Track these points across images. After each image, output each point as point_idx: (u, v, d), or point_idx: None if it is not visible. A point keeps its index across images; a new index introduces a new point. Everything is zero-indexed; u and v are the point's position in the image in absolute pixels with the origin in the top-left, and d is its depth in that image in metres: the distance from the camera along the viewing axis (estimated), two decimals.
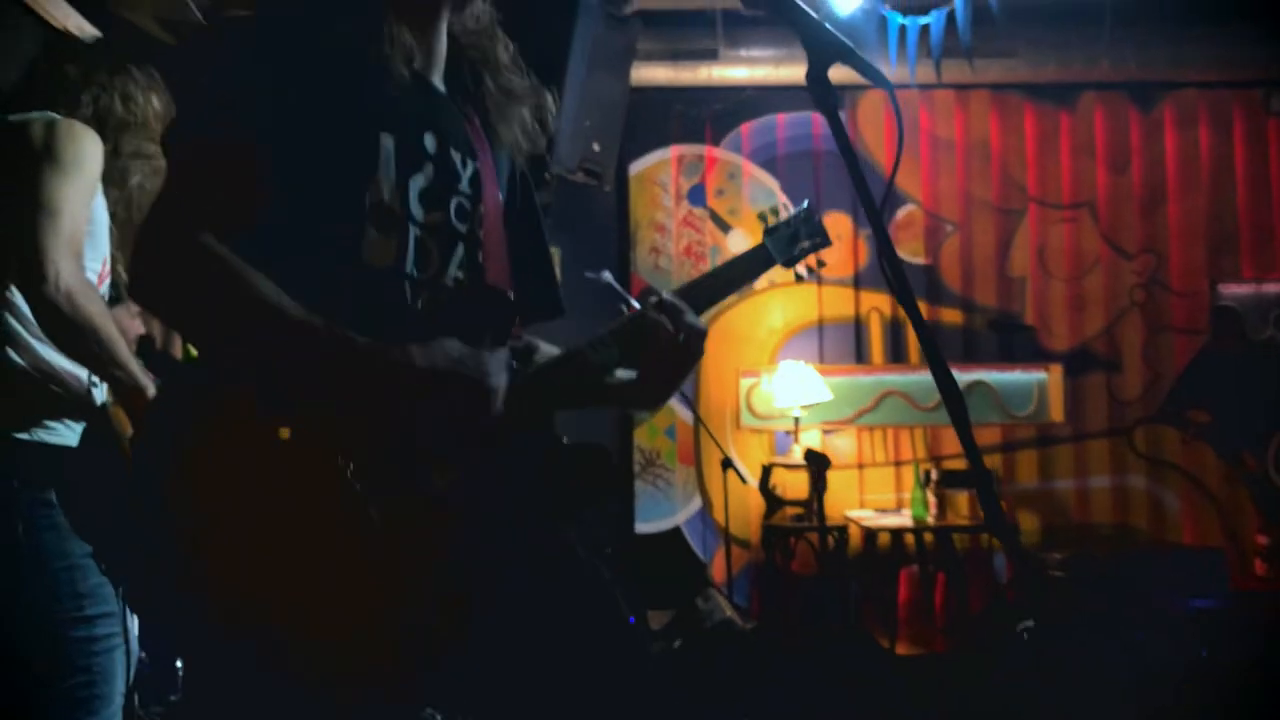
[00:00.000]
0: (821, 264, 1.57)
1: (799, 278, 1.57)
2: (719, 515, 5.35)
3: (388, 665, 1.18)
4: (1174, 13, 4.97)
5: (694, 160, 5.56)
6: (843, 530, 5.02)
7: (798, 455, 4.95)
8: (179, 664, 2.63)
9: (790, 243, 1.55)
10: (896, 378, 5.45)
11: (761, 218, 1.56)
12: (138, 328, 2.16)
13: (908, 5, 4.34)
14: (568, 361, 1.40)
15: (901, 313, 1.28)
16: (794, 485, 5.03)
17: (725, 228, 5.53)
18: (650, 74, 5.01)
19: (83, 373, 1.87)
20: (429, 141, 1.33)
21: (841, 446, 5.43)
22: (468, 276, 1.35)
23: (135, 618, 1.95)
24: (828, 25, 1.21)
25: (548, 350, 1.47)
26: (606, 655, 1.32)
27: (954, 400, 1.14)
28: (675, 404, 5.36)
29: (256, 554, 1.13)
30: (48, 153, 1.81)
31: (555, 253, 5.25)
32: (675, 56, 5.07)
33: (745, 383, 5.44)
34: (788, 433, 5.23)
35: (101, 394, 1.89)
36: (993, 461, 5.43)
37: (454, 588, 1.21)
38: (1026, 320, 5.56)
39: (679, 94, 5.38)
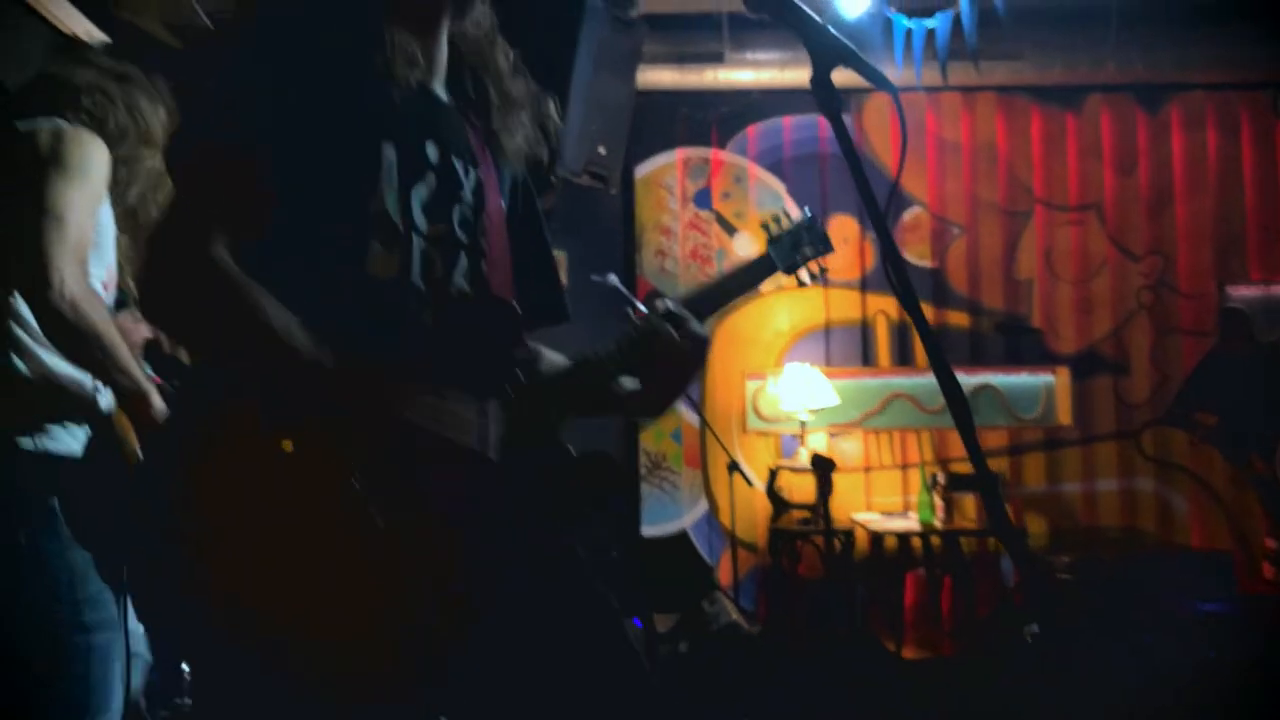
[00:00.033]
0: (824, 269, 1.57)
1: (801, 284, 1.57)
2: (725, 518, 5.35)
3: (392, 669, 1.18)
4: (1180, 14, 4.95)
5: (700, 163, 5.56)
6: (849, 534, 5.01)
7: (804, 458, 4.95)
8: (184, 668, 2.64)
9: (793, 250, 1.55)
10: (903, 380, 5.44)
11: (765, 227, 1.57)
12: (144, 331, 2.16)
13: (913, 8, 4.34)
14: (574, 372, 1.40)
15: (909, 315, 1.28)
16: (800, 488, 5.02)
17: (731, 230, 5.53)
18: (656, 77, 5.01)
19: (87, 379, 1.88)
20: (431, 151, 1.33)
21: (848, 449, 5.42)
22: (472, 287, 1.35)
23: (141, 625, 1.96)
24: (831, 29, 1.21)
25: (551, 357, 1.48)
26: (602, 660, 1.32)
27: (958, 403, 1.14)
28: (681, 407, 5.36)
29: (260, 561, 1.13)
30: (54, 160, 1.81)
31: (561, 256, 5.23)
32: (681, 60, 5.07)
33: (751, 385, 5.43)
34: (794, 436, 5.22)
35: (106, 400, 1.89)
36: (1000, 464, 5.41)
37: (457, 592, 1.21)
38: (1033, 323, 5.55)
39: (685, 97, 5.39)
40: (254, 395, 1.17)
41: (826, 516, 4.83)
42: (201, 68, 1.29)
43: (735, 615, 4.51)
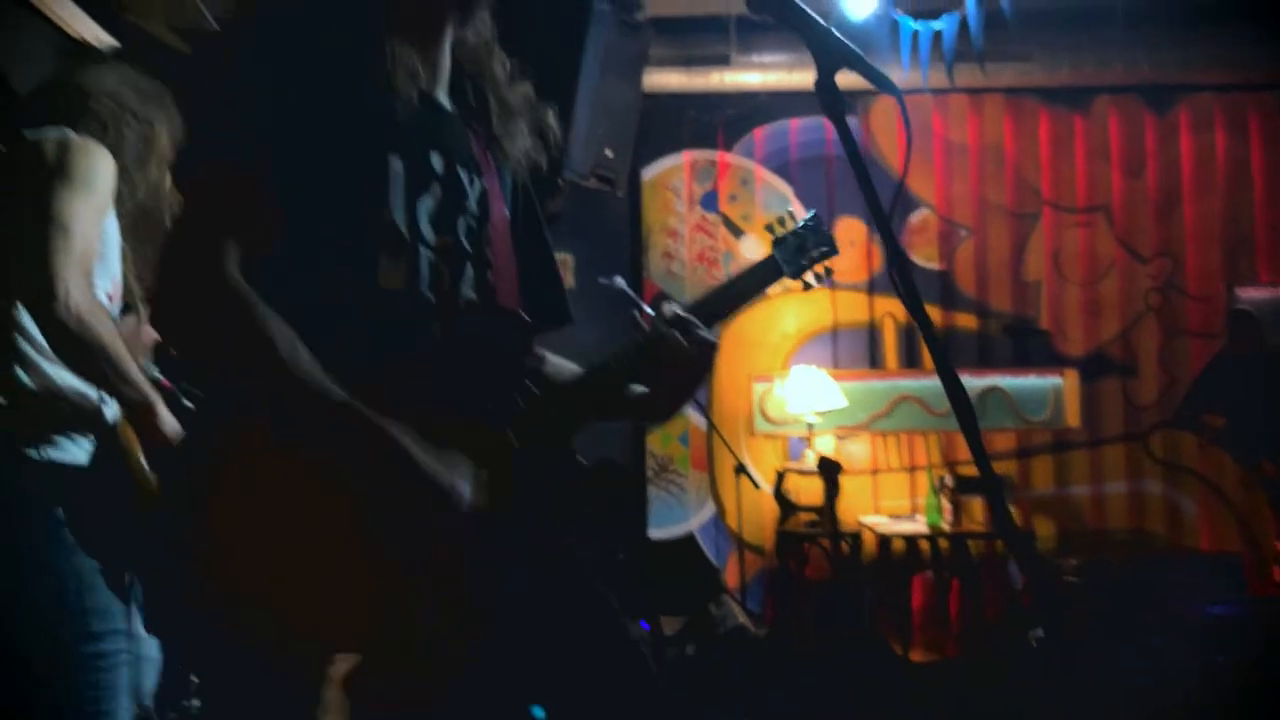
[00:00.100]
0: (829, 272, 1.57)
1: (807, 286, 1.57)
2: (732, 521, 5.34)
3: (398, 674, 1.18)
4: (1188, 15, 4.94)
5: (707, 166, 5.56)
6: (856, 536, 5.00)
7: (811, 461, 4.94)
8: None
9: (798, 253, 1.54)
10: (911, 383, 5.43)
11: (769, 228, 1.57)
12: (152, 334, 2.17)
13: (920, 10, 4.33)
14: (584, 380, 1.40)
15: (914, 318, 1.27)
16: (808, 491, 5.02)
17: (738, 233, 5.53)
18: (663, 80, 5.01)
19: (92, 390, 1.88)
20: (436, 161, 1.33)
21: (855, 452, 5.41)
22: (479, 297, 1.36)
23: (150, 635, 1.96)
24: (835, 31, 1.21)
25: (558, 363, 1.48)
26: (604, 661, 1.32)
27: (962, 406, 1.14)
28: (688, 410, 5.35)
29: (269, 573, 1.14)
30: (60, 170, 1.81)
31: (568, 258, 5.26)
32: (688, 62, 5.07)
33: (759, 388, 5.43)
34: (801, 438, 5.22)
35: (111, 411, 1.90)
36: (1008, 467, 5.40)
37: (462, 598, 1.22)
38: (1041, 325, 5.54)
39: (692, 100, 5.38)
40: (262, 413, 1.18)
41: (833, 519, 4.83)
42: (205, 80, 1.29)
43: (742, 618, 4.51)
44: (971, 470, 5.18)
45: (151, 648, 2.06)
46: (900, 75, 4.32)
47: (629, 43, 4.07)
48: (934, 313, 5.47)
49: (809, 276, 1.56)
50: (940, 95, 5.35)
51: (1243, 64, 5.22)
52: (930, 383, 5.37)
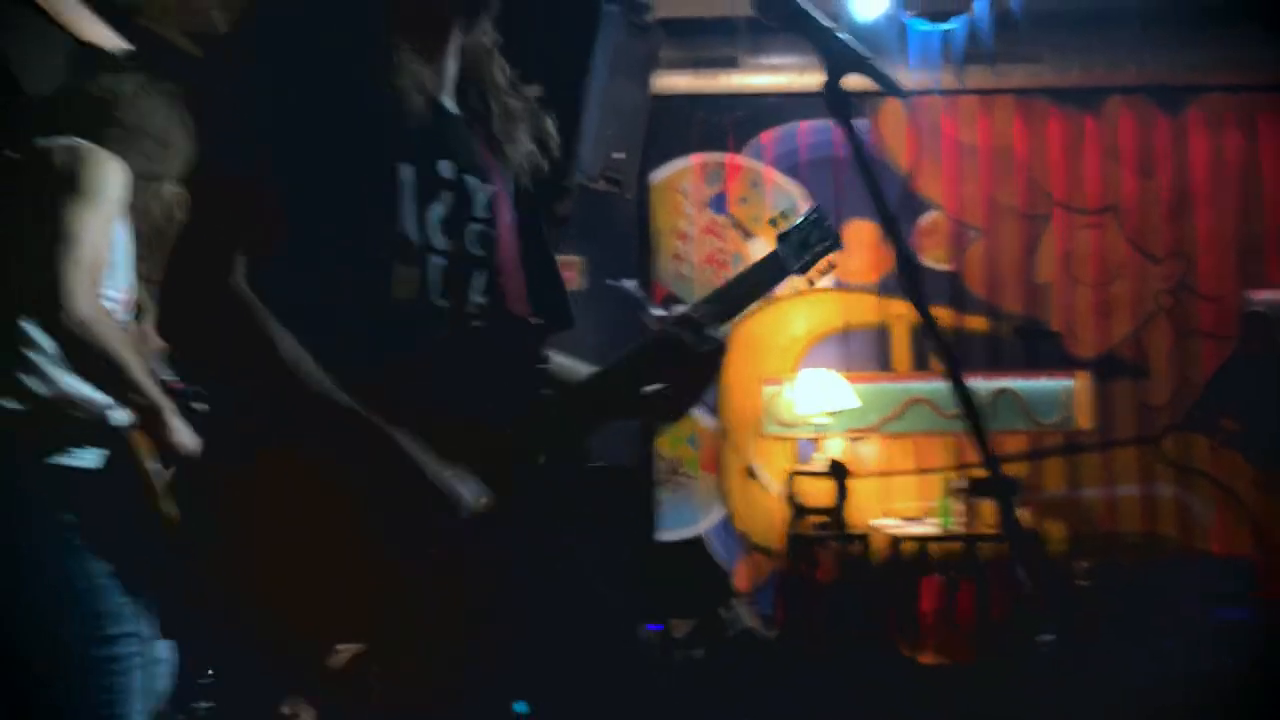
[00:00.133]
0: (833, 266, 1.55)
1: (811, 283, 1.55)
2: (742, 523, 5.34)
3: (408, 674, 1.19)
4: (1200, 16, 4.92)
5: (716, 168, 5.56)
6: (867, 539, 4.99)
7: (821, 463, 4.93)
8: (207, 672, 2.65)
9: (802, 248, 1.52)
10: (922, 385, 5.41)
11: (773, 223, 1.55)
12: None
13: (929, 12, 4.33)
14: (594, 383, 1.41)
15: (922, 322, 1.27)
16: (818, 493, 5.01)
17: (748, 235, 5.52)
18: (672, 82, 5.01)
19: (102, 397, 1.89)
20: (445, 168, 1.33)
21: (866, 454, 5.40)
22: (489, 303, 1.36)
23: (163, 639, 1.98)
24: (841, 35, 1.21)
25: (565, 362, 1.48)
26: (605, 661, 1.32)
27: (970, 409, 1.14)
28: (698, 412, 5.35)
29: (287, 576, 1.15)
30: (69, 180, 1.82)
31: (578, 261, 5.27)
32: (697, 64, 5.08)
33: (768, 390, 5.42)
34: (811, 440, 5.21)
35: (122, 417, 1.91)
36: (1019, 469, 5.37)
37: (466, 601, 1.22)
38: (1053, 326, 5.52)
39: (701, 102, 5.38)
40: (265, 416, 1.19)
41: (842, 521, 4.82)
42: (213, 87, 1.30)
43: (752, 620, 4.51)
44: (983, 472, 5.18)
45: (164, 650, 2.07)
46: (909, 77, 4.32)
47: (638, 44, 4.07)
48: (944, 314, 5.45)
49: (813, 272, 1.55)
50: (950, 96, 5.34)
51: (1254, 65, 5.20)
52: (941, 385, 5.33)
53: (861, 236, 5.42)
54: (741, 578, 5.31)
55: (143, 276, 2.03)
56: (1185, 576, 4.63)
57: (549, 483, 1.30)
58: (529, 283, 1.44)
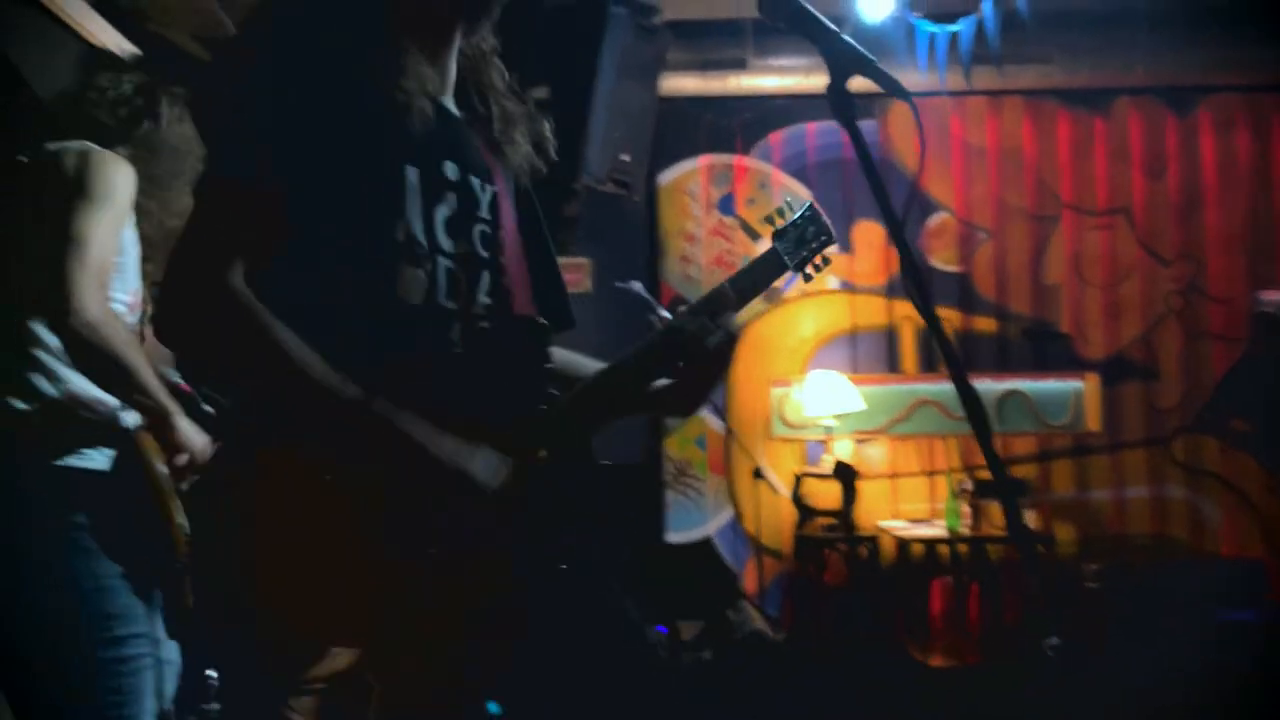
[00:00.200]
0: (828, 261, 1.57)
1: (808, 278, 1.57)
2: (750, 525, 5.33)
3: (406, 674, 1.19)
4: (1209, 16, 4.90)
5: (724, 169, 5.56)
6: (875, 540, 4.98)
7: (829, 465, 4.93)
8: (211, 674, 2.66)
9: (799, 244, 1.55)
10: (930, 387, 5.40)
11: (769, 220, 1.57)
12: None
13: (936, 13, 4.32)
14: (604, 380, 1.41)
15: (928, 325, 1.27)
16: (826, 495, 5.00)
17: (755, 236, 5.52)
18: (679, 84, 5.02)
19: (112, 399, 1.90)
20: (450, 169, 1.34)
21: (874, 456, 5.39)
22: (495, 304, 1.37)
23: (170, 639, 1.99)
24: (846, 37, 1.21)
25: (574, 359, 1.48)
26: (608, 658, 1.33)
27: (974, 409, 1.13)
28: (706, 413, 5.35)
29: (289, 577, 1.15)
30: (78, 184, 1.84)
31: (586, 263, 5.27)
32: (704, 66, 5.08)
33: (776, 392, 5.42)
34: (820, 442, 5.20)
35: (131, 419, 1.92)
36: (1028, 471, 5.36)
37: (470, 600, 1.22)
38: (1062, 328, 5.50)
39: (708, 104, 5.38)
40: (269, 414, 1.19)
41: (849, 524, 4.81)
42: (218, 90, 1.30)
43: (760, 622, 4.51)
44: (989, 474, 5.16)
45: (172, 651, 2.08)
46: (918, 78, 4.31)
47: (645, 47, 4.08)
48: (953, 316, 5.44)
49: (809, 268, 1.57)
50: (959, 98, 5.33)
51: (1264, 65, 5.18)
52: (949, 387, 5.29)
53: (870, 238, 5.42)
54: (749, 580, 5.30)
55: (149, 279, 2.04)
56: (1195, 579, 4.61)
57: (552, 482, 1.30)
58: (533, 284, 1.44)
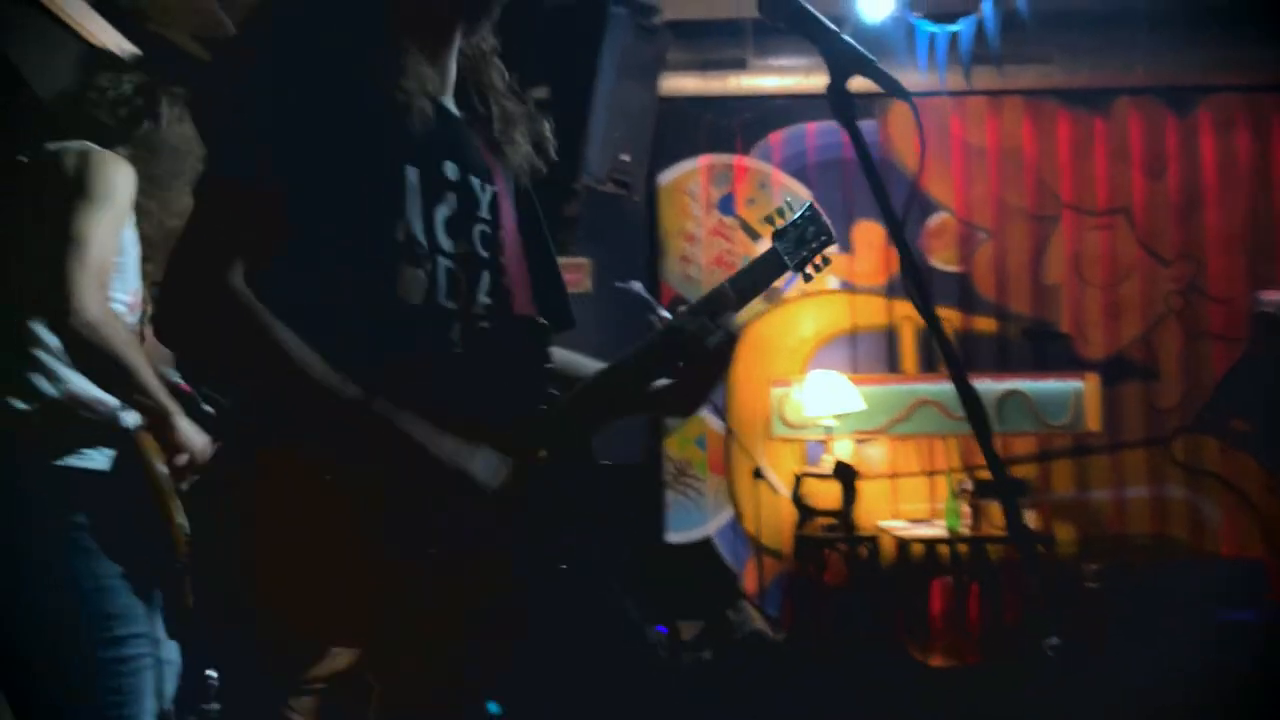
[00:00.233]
0: (827, 261, 1.58)
1: (807, 278, 1.57)
2: (750, 525, 5.33)
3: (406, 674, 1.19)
4: (1210, 16, 4.90)
5: (724, 169, 5.56)
6: (875, 541, 4.98)
7: (829, 465, 4.93)
8: (211, 674, 2.66)
9: (799, 244, 1.55)
10: (930, 387, 5.40)
11: (768, 220, 1.57)
12: None
13: (936, 13, 4.32)
14: (604, 380, 1.41)
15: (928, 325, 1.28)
16: (826, 495, 5.00)
17: (755, 236, 5.52)
18: (679, 84, 5.02)
19: (112, 399, 1.90)
20: (450, 169, 1.34)
21: (874, 456, 5.39)
22: (495, 303, 1.36)
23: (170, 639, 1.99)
24: (846, 37, 1.21)
25: (574, 359, 1.48)
26: (610, 656, 1.33)
27: (974, 409, 1.13)
28: (706, 413, 5.35)
29: (288, 576, 1.15)
30: (78, 184, 1.84)
31: (586, 263, 5.27)
32: (704, 66, 5.08)
33: (776, 392, 5.42)
34: (820, 442, 5.20)
35: (131, 419, 1.92)
36: (1028, 471, 5.36)
37: (470, 600, 1.22)
38: (1062, 328, 5.50)
39: (708, 103, 5.38)
40: (268, 413, 1.19)
41: (849, 524, 4.81)
42: (217, 90, 1.30)
43: (760, 623, 4.51)
44: (989, 474, 5.16)
45: (171, 651, 2.08)
46: (918, 78, 4.31)
47: (645, 47, 4.08)
48: (953, 316, 5.44)
49: (809, 268, 1.57)
50: (959, 98, 5.33)
51: (1264, 65, 5.17)
52: (949, 387, 5.27)
53: (870, 238, 5.42)
54: (749, 580, 5.30)
55: (149, 279, 2.04)
56: (1195, 579, 4.61)
57: (552, 482, 1.30)
58: (533, 284, 1.44)
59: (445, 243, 1.30)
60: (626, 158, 4.15)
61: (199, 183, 1.24)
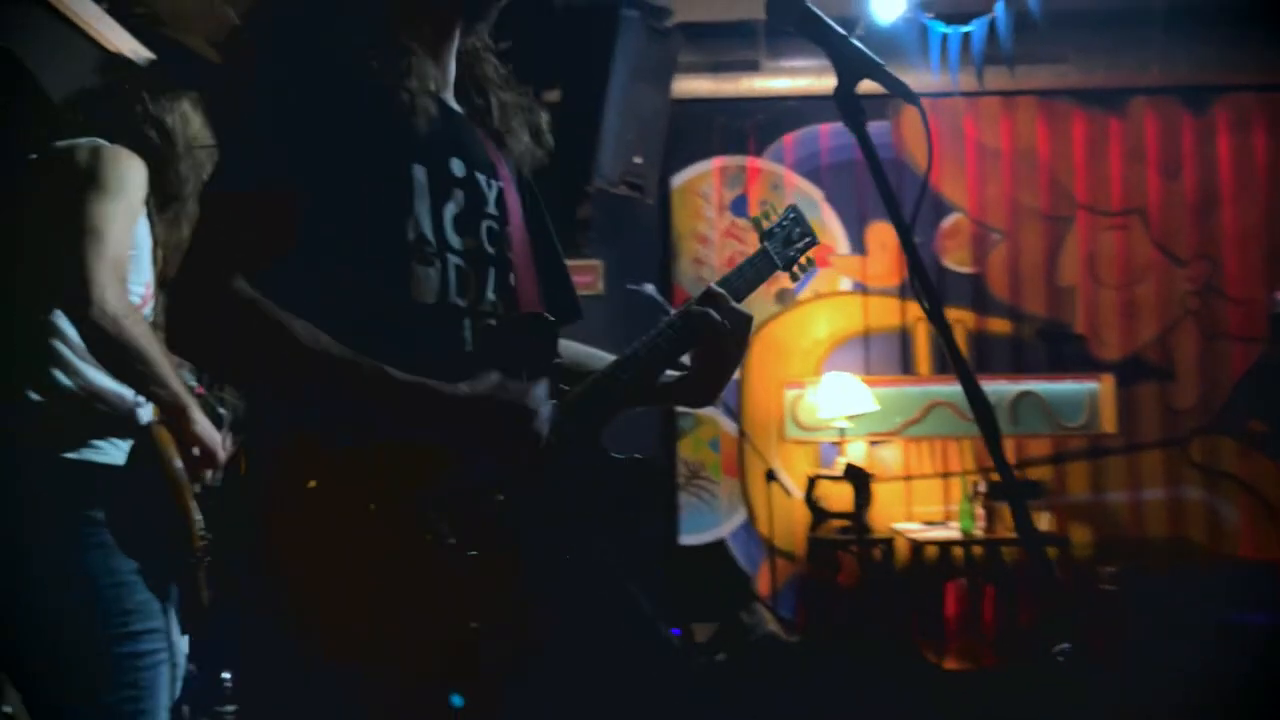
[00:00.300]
0: (811, 262, 1.60)
1: (794, 277, 1.60)
2: (764, 527, 5.33)
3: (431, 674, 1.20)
4: (1226, 14, 4.87)
5: (736, 171, 5.55)
6: (889, 543, 4.96)
7: (842, 467, 4.92)
8: (225, 675, 2.68)
9: (786, 244, 1.59)
10: (944, 388, 5.38)
11: (755, 222, 1.60)
12: None
13: (949, 14, 4.31)
14: (615, 372, 1.41)
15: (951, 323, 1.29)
16: (839, 497, 4.99)
17: None
18: (692, 86, 5.02)
19: (128, 393, 1.91)
20: (456, 166, 1.34)
21: (888, 458, 5.38)
22: (503, 300, 1.37)
23: (184, 635, 1.99)
24: (854, 41, 1.21)
25: (584, 351, 1.49)
26: (626, 655, 1.33)
27: (984, 414, 1.13)
28: (719, 415, 5.35)
29: (337, 585, 1.15)
30: (92, 177, 1.85)
31: (598, 264, 5.28)
32: (717, 68, 5.07)
33: (790, 394, 5.41)
34: (833, 444, 5.19)
35: (147, 413, 1.93)
36: (1044, 473, 5.33)
37: (513, 603, 1.23)
38: (1077, 329, 5.47)
39: (721, 105, 5.38)
40: (292, 411, 1.19)
41: (863, 526, 4.80)
42: (224, 92, 1.31)
43: (774, 625, 4.50)
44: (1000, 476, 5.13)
45: (180, 655, 2.08)
46: (930, 79, 4.30)
47: (658, 49, 4.08)
48: (967, 317, 5.42)
49: (795, 268, 1.61)
50: (972, 98, 5.31)
51: None
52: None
53: (883, 240, 5.40)
54: (763, 582, 5.30)
55: (161, 284, 2.05)
56: (1213, 581, 4.58)
57: (564, 476, 1.31)
58: (540, 278, 1.45)
59: (454, 240, 1.31)
60: (639, 160, 4.15)
61: (205, 188, 1.24)
